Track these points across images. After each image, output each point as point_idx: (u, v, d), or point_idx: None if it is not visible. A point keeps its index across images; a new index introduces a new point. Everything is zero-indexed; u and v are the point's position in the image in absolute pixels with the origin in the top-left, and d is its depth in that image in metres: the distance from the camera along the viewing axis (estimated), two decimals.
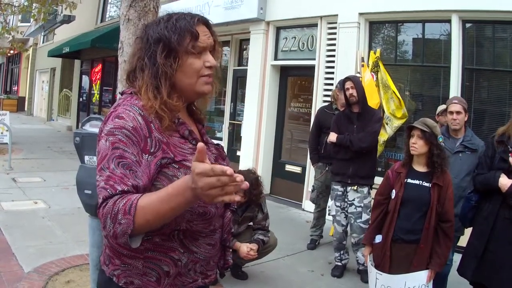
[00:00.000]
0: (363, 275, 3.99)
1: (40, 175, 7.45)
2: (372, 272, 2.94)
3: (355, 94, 4.02)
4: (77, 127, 13.34)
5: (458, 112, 3.44)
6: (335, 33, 6.22)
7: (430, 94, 5.67)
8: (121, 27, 2.94)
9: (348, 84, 4.07)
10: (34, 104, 21.00)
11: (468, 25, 5.15)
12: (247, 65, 7.64)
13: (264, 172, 6.85)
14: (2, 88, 26.98)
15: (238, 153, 7.73)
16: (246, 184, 1.01)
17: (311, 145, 4.96)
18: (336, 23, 6.17)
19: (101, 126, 1.24)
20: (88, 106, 14.37)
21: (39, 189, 6.45)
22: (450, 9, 5.04)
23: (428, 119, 2.99)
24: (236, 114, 8.17)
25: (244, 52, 8.10)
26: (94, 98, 14.00)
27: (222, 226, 1.38)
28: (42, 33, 17.34)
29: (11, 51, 19.48)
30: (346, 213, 4.13)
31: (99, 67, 13.70)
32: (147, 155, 1.17)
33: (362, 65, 5.36)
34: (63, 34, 14.29)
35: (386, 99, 5.15)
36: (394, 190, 2.91)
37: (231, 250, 1.50)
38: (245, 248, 3.59)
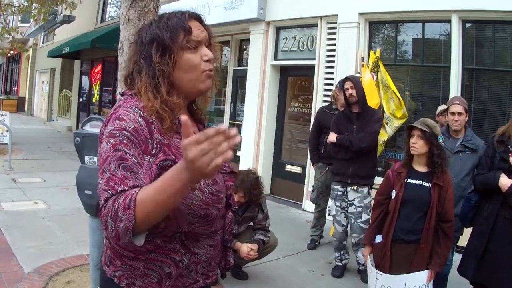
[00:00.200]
0: (363, 275, 3.99)
1: (40, 175, 7.45)
2: (372, 272, 2.94)
3: (354, 94, 4.02)
4: (77, 127, 13.33)
5: (459, 113, 3.44)
6: (335, 33, 6.23)
7: (430, 94, 5.67)
8: (121, 28, 2.94)
9: (348, 84, 4.07)
10: (34, 104, 21.00)
11: (468, 25, 5.15)
12: (247, 65, 7.64)
13: (264, 172, 6.85)
14: (2, 88, 26.99)
15: (238, 153, 7.72)
16: (239, 138, 0.98)
17: (311, 145, 4.96)
18: (336, 23, 6.17)
19: (102, 128, 1.23)
20: (88, 107, 14.37)
21: (39, 190, 6.45)
22: (450, 9, 5.04)
23: (428, 119, 2.99)
24: (236, 114, 8.17)
25: (244, 52, 8.10)
26: (94, 98, 14.00)
27: (224, 227, 1.38)
28: (42, 34, 17.34)
29: (11, 52, 19.46)
30: (346, 213, 4.13)
31: (99, 67, 13.70)
32: (148, 156, 1.17)
33: (362, 65, 5.36)
34: (63, 34, 14.29)
35: (386, 99, 5.15)
36: (394, 190, 2.91)
37: (232, 250, 1.50)
38: (246, 248, 3.60)
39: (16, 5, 11.30)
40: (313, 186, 5.02)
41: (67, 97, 15.84)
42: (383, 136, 5.02)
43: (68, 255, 4.05)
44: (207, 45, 1.31)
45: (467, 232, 3.07)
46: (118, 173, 1.11)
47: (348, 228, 4.19)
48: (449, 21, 5.15)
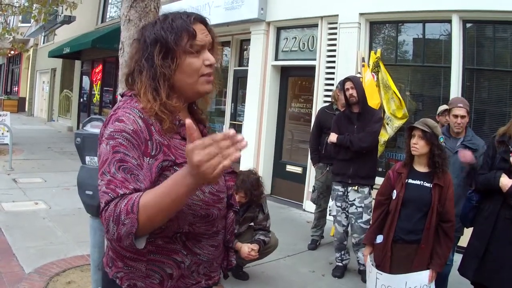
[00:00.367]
0: (363, 275, 3.98)
1: (41, 175, 7.45)
2: (372, 271, 2.94)
3: (355, 94, 4.02)
4: (78, 127, 13.34)
5: (462, 116, 3.44)
6: (335, 34, 6.23)
7: (430, 94, 5.67)
8: (121, 28, 2.94)
9: (348, 85, 4.07)
10: (34, 104, 21.00)
11: (468, 25, 5.15)
12: (247, 66, 7.63)
13: (265, 173, 6.85)
14: (3, 88, 27.00)
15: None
16: (245, 142, 0.98)
17: (311, 146, 4.96)
18: (336, 23, 6.17)
19: (102, 130, 1.23)
20: (88, 107, 14.38)
21: (40, 190, 6.45)
22: (451, 9, 5.04)
23: (429, 119, 2.99)
24: (236, 114, 8.17)
25: (245, 52, 8.10)
26: (95, 98, 14.01)
27: (225, 227, 1.38)
28: (43, 34, 17.34)
29: (12, 52, 19.49)
30: (347, 214, 4.13)
31: (100, 67, 13.71)
32: (148, 158, 1.16)
33: (363, 65, 5.35)
34: (63, 34, 14.29)
35: (387, 99, 5.15)
36: (395, 191, 2.91)
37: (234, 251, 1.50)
38: (246, 248, 3.60)
39: (17, 6, 11.29)
40: (313, 186, 5.02)
41: (67, 97, 15.84)
42: (383, 136, 5.02)
43: (68, 255, 4.05)
44: (210, 48, 1.30)
45: (468, 232, 3.07)
46: (118, 175, 1.11)
47: (349, 229, 4.19)
48: (449, 21, 5.15)
